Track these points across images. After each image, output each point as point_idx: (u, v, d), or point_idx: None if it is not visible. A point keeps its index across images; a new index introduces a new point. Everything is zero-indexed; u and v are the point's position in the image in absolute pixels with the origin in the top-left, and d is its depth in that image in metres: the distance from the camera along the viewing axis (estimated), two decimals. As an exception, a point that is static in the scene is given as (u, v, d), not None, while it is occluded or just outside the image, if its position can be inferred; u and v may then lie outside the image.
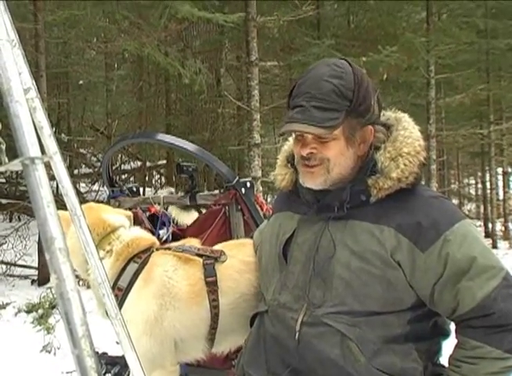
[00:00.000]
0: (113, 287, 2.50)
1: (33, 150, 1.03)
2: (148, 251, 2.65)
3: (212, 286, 2.54)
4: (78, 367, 0.95)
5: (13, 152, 1.05)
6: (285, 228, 2.25)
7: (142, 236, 2.78)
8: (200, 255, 2.60)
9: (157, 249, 2.67)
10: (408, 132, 2.12)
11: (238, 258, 2.63)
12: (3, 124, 1.18)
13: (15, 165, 1.03)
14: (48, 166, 1.09)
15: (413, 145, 2.08)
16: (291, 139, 2.29)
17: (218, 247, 2.73)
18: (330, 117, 2.00)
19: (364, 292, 2.00)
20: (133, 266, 2.57)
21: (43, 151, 1.17)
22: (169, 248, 2.67)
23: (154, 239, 2.82)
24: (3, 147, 1.09)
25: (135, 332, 2.44)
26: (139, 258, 2.60)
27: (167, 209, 3.63)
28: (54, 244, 0.98)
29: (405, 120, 2.19)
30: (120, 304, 2.47)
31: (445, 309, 2.00)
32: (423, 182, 2.21)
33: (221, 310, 2.55)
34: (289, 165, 2.29)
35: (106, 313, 2.53)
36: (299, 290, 2.10)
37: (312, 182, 2.11)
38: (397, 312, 2.01)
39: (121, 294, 2.51)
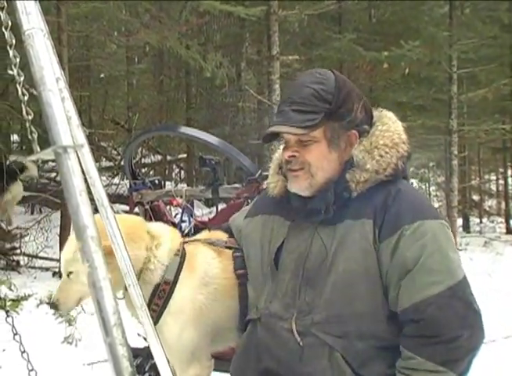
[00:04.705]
0: (160, 282, 2.53)
1: (65, 138, 1.03)
2: (180, 244, 2.66)
3: (242, 278, 2.55)
4: (110, 355, 0.95)
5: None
6: (276, 235, 2.26)
7: (171, 228, 2.83)
8: (229, 248, 2.61)
9: (186, 242, 2.68)
10: (386, 127, 2.14)
11: None
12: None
13: (47, 154, 1.03)
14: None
15: (391, 137, 2.11)
16: (282, 148, 2.30)
17: None
18: (308, 118, 2.04)
19: (350, 293, 2.01)
20: (176, 260, 2.58)
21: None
22: (199, 240, 2.69)
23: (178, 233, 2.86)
24: (35, 136, 1.09)
25: (180, 323, 2.49)
26: (178, 251, 2.61)
27: (189, 202, 3.63)
28: (86, 233, 0.98)
29: (387, 116, 2.21)
30: (168, 298, 2.51)
31: (393, 305, 2.00)
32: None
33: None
34: (280, 172, 2.31)
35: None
36: (289, 298, 2.11)
37: (298, 186, 2.14)
38: (386, 320, 2.01)
39: (169, 288, 2.54)
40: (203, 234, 2.81)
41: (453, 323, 1.89)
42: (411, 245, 1.95)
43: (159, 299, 2.51)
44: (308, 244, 2.11)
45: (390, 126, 2.14)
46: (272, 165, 2.39)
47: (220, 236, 2.71)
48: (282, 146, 2.27)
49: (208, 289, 2.54)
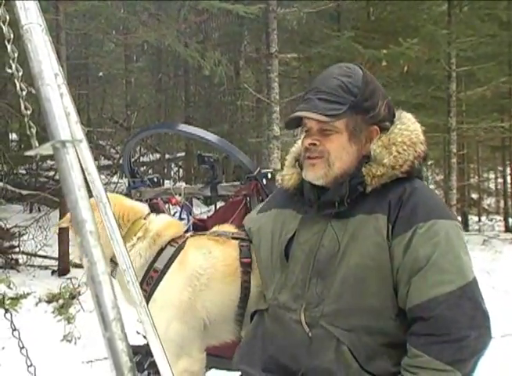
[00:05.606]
0: (149, 269, 2.58)
1: (64, 133, 1.02)
2: (183, 237, 2.69)
3: (246, 267, 2.58)
4: (109, 351, 0.95)
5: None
6: (288, 227, 2.26)
7: (174, 221, 2.85)
8: (236, 238, 2.64)
9: (192, 236, 2.71)
10: (405, 126, 2.17)
11: None
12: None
13: (45, 149, 1.02)
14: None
15: (409, 136, 2.13)
16: (300, 142, 2.31)
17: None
18: (333, 107, 2.07)
19: (360, 287, 2.01)
20: (170, 250, 2.61)
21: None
22: (204, 234, 2.72)
23: (183, 226, 2.87)
24: (34, 131, 1.09)
25: (167, 315, 2.49)
26: (176, 242, 2.64)
27: (187, 200, 3.63)
28: (85, 227, 0.98)
29: (406, 117, 2.23)
30: (155, 285, 2.54)
31: (402, 302, 1.99)
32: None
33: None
34: (296, 165, 2.32)
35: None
36: (298, 289, 2.12)
37: (313, 173, 2.14)
38: (395, 317, 2.00)
39: (157, 276, 2.57)
40: (213, 229, 2.83)
41: (462, 323, 1.89)
42: (424, 243, 1.95)
43: (147, 286, 2.54)
44: (320, 237, 2.11)
45: (409, 126, 2.17)
46: (288, 158, 2.41)
47: (228, 229, 2.75)
48: (300, 142, 2.29)
49: (201, 281, 2.54)
